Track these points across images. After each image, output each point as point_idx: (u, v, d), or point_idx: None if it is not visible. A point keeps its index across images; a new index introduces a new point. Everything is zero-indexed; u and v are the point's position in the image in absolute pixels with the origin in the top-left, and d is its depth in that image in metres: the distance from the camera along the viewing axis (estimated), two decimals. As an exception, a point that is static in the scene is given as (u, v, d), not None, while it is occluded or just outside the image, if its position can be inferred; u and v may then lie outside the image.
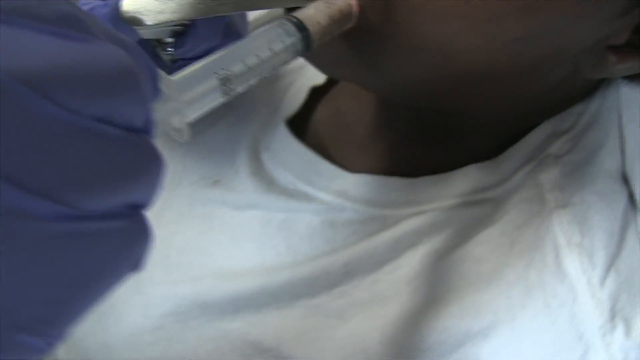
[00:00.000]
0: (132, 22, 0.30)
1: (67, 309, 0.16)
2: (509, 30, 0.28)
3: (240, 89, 0.26)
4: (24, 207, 0.14)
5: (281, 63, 0.27)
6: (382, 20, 0.30)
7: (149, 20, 0.29)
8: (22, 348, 0.15)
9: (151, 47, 0.39)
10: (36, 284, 0.15)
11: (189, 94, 0.24)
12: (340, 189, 0.39)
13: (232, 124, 0.45)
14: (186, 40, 0.36)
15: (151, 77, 0.21)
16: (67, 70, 0.15)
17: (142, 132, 0.19)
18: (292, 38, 0.27)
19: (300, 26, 0.28)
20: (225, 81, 0.25)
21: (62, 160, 0.15)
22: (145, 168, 0.18)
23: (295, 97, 0.45)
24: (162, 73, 0.23)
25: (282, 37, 0.27)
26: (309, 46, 0.28)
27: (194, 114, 0.25)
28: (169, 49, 0.38)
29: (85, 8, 0.37)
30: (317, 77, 0.46)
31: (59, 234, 0.15)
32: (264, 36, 0.26)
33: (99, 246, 0.16)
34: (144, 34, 0.36)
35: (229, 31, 0.37)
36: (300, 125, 0.44)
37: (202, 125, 0.45)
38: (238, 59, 0.25)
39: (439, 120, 0.39)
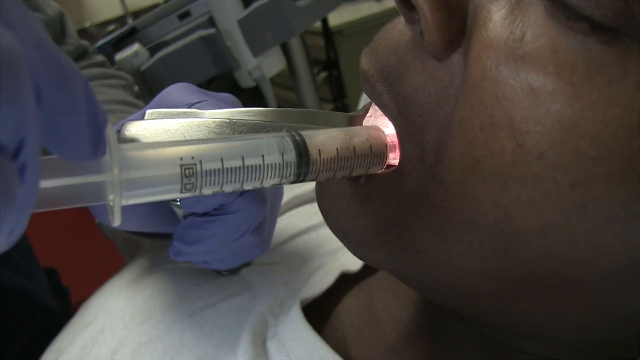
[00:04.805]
0: None
1: None
2: (602, 205, 0.19)
3: (206, 190, 0.20)
4: None
5: (270, 182, 0.22)
6: (427, 181, 0.23)
7: None
8: None
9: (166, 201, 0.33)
10: None
11: (136, 172, 0.18)
12: None
13: (244, 303, 0.38)
14: None
15: (90, 128, 0.16)
16: None
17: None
18: (288, 156, 0.22)
19: (301, 146, 0.22)
20: (189, 174, 0.19)
21: None
22: None
23: (321, 281, 0.37)
24: (111, 132, 0.18)
25: (276, 149, 0.21)
26: (307, 175, 0.22)
27: (134, 198, 0.19)
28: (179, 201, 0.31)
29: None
30: (351, 264, 0.39)
31: None
32: (262, 142, 0.21)
33: None
34: None
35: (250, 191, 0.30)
36: (320, 314, 0.36)
37: (212, 299, 0.39)
38: (217, 155, 0.20)
39: (497, 336, 0.29)
